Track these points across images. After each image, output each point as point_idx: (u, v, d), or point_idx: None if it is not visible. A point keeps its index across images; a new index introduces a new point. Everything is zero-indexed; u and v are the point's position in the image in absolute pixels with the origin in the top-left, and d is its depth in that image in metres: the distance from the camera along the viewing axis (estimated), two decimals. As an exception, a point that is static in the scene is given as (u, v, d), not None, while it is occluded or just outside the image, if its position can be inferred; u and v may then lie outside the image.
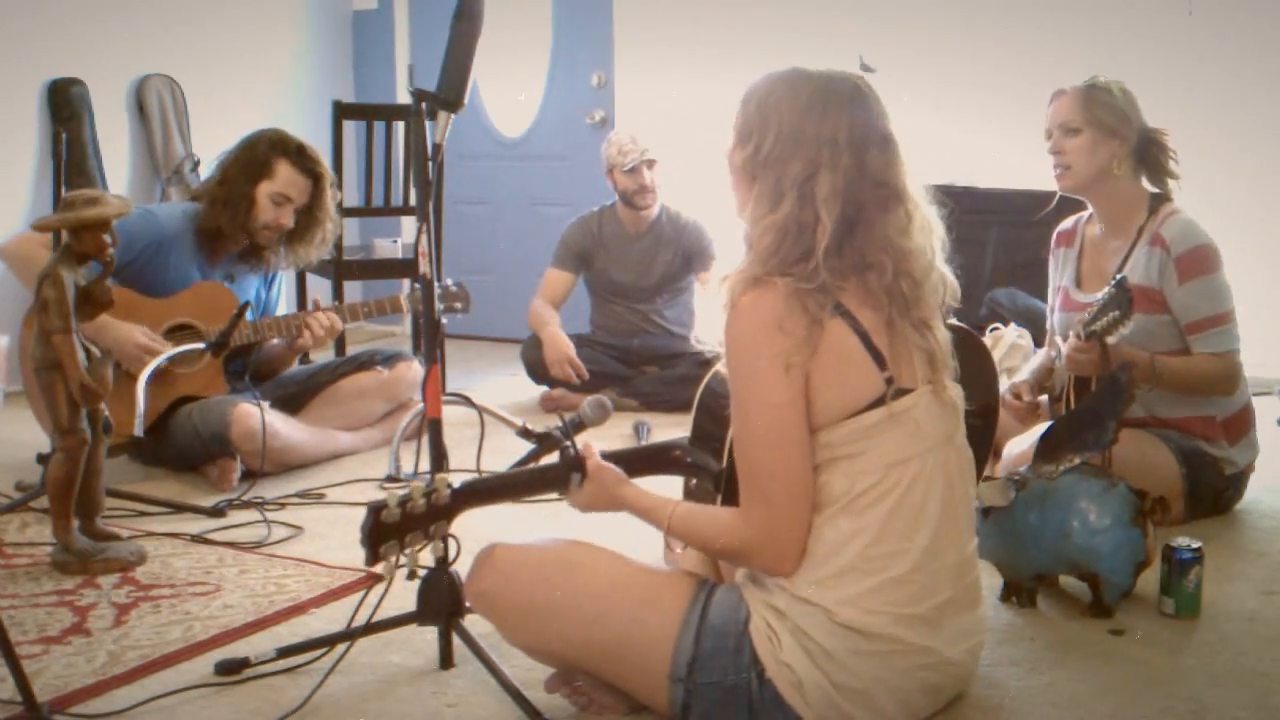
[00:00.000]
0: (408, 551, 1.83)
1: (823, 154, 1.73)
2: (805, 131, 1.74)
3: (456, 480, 1.93)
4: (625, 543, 2.04)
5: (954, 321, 1.99)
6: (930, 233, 1.82)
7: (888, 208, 1.77)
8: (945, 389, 1.83)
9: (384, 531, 1.79)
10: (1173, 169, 2.94)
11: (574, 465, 1.94)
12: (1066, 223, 3.15)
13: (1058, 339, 3.06)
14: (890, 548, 1.76)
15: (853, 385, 1.75)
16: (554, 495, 2.01)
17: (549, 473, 1.97)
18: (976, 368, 2.25)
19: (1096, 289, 2.96)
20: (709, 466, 2.03)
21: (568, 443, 1.97)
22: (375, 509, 1.78)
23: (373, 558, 1.78)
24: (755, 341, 1.73)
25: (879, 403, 1.76)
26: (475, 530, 2.23)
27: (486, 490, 1.97)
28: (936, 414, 1.81)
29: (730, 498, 1.86)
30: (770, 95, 1.78)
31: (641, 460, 2.07)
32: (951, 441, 1.85)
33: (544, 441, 2.08)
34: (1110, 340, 2.68)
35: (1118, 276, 2.70)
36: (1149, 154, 2.94)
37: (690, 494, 2.12)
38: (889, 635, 1.75)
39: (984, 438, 2.39)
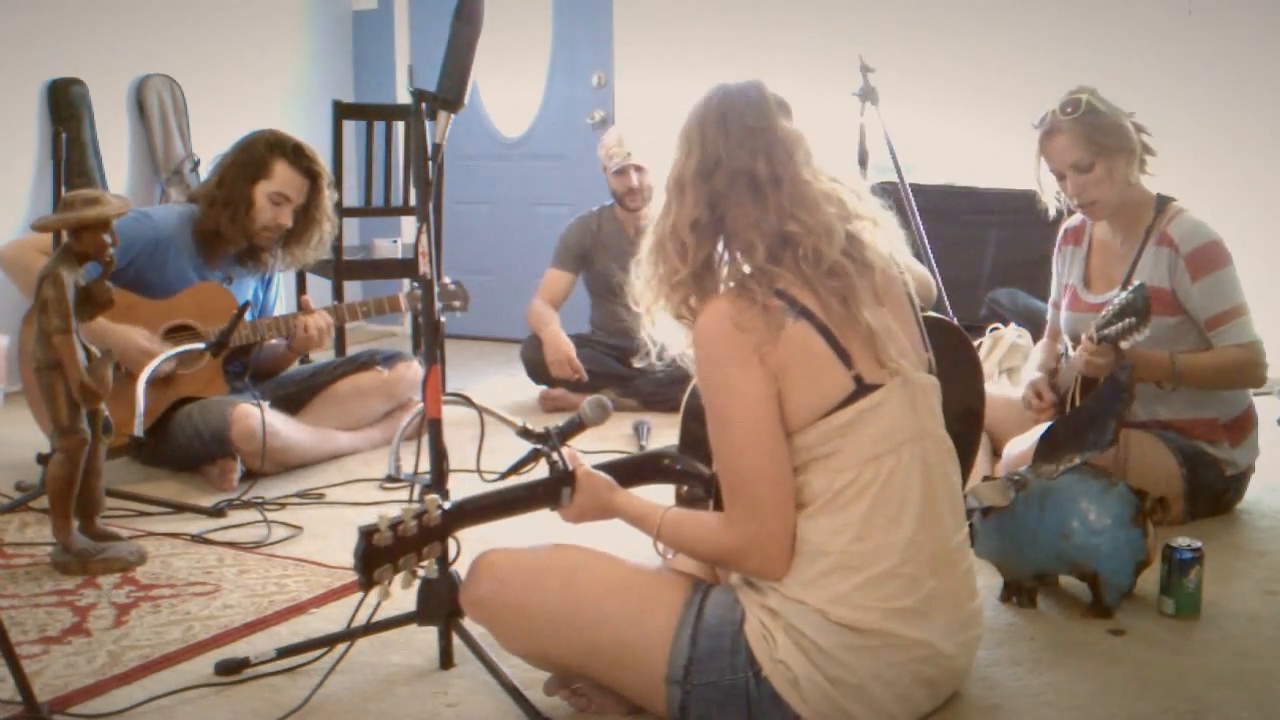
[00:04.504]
0: (401, 574, 1.84)
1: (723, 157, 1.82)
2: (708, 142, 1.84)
3: (448, 500, 1.93)
4: (620, 545, 2.04)
5: (934, 314, 1.99)
6: (831, 201, 1.82)
7: (764, 187, 1.80)
8: (898, 368, 1.82)
9: (377, 555, 1.79)
10: (1151, 146, 2.89)
11: (563, 478, 1.95)
12: (1073, 220, 3.13)
13: (1066, 338, 3.06)
14: (874, 543, 1.77)
15: (822, 386, 1.77)
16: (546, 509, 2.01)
17: (539, 488, 1.97)
18: (962, 369, 2.25)
19: (1104, 290, 2.95)
20: (699, 473, 2.04)
21: (555, 456, 1.97)
22: (367, 532, 1.78)
23: (367, 582, 1.79)
24: (721, 349, 1.78)
25: (849, 401, 1.77)
26: (474, 530, 2.23)
27: (477, 510, 1.96)
28: (908, 406, 1.82)
29: (722, 503, 1.86)
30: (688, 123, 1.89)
31: (631, 470, 2.08)
32: (927, 432, 1.86)
33: (526, 462, 2.10)
34: (1124, 346, 2.65)
35: (1136, 283, 2.69)
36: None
37: (682, 501, 2.13)
38: (881, 630, 1.76)
39: (968, 440, 2.39)
